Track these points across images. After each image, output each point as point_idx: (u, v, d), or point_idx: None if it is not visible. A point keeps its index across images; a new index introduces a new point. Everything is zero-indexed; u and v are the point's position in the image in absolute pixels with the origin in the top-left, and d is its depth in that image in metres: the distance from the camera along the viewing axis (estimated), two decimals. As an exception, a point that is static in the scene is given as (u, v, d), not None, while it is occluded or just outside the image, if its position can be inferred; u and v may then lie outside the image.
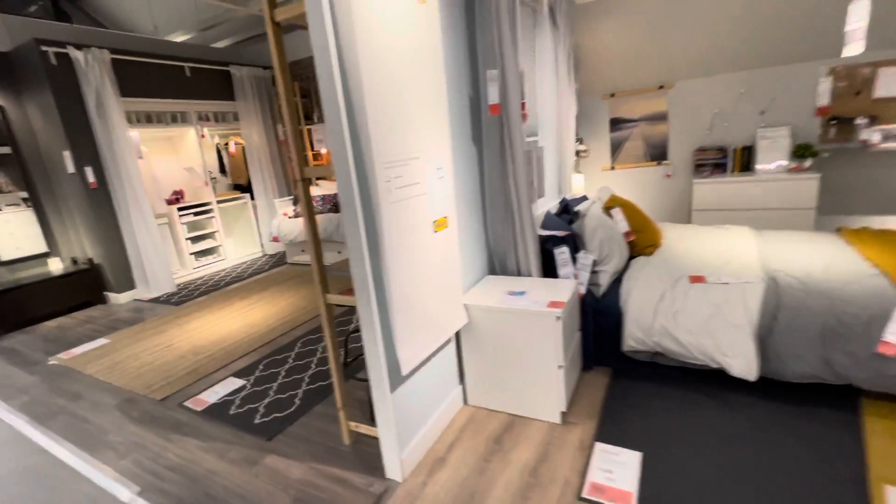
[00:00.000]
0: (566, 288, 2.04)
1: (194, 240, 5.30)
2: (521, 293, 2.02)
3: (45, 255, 4.46)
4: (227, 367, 2.83)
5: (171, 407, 2.43)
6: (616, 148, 4.38)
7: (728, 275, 2.18)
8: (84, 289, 4.38)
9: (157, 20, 6.10)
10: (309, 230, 1.69)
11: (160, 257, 4.61)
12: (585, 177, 4.56)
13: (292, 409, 2.26)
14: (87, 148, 4.17)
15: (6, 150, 4.17)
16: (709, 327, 1.95)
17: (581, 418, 1.96)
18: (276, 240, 5.34)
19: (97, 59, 4.10)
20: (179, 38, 6.20)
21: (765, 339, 1.89)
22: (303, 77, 5.83)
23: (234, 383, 2.59)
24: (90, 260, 4.44)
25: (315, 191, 5.59)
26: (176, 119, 5.11)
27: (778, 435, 1.72)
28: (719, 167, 3.87)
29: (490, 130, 2.18)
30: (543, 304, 1.86)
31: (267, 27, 1.51)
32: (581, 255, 2.32)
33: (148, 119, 4.86)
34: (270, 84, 5.82)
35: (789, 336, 1.84)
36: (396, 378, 1.66)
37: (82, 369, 3.00)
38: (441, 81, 1.73)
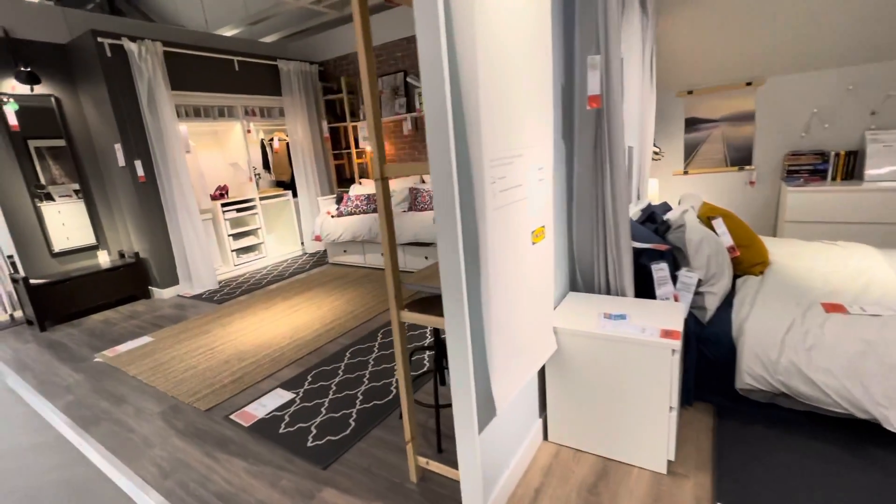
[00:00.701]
0: (674, 313, 1.72)
1: (236, 236, 5.22)
2: (621, 316, 1.72)
3: (93, 248, 4.46)
4: (273, 376, 2.64)
5: (216, 419, 2.25)
6: (690, 150, 3.98)
7: (871, 303, 1.81)
8: (129, 283, 4.35)
9: (207, 15, 6.10)
10: (385, 236, 1.45)
11: (204, 253, 4.53)
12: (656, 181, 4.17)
13: (347, 431, 2.04)
14: (137, 141, 4.12)
15: (60, 142, 4.17)
16: (857, 369, 1.60)
17: (690, 469, 1.65)
18: (318, 239, 5.19)
19: (150, 51, 4.05)
20: (228, 32, 6.18)
21: (936, 389, 1.52)
22: (350, 72, 5.69)
23: (283, 396, 2.39)
24: (136, 254, 4.40)
25: (357, 190, 5.42)
26: (223, 113, 5.04)
27: (960, 513, 1.36)
28: (816, 174, 3.42)
29: (584, 126, 1.88)
30: (655, 333, 1.55)
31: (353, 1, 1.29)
32: (683, 272, 1.99)
33: (196, 113, 4.81)
34: (317, 79, 5.70)
35: (974, 388, 1.47)
36: (485, 416, 1.40)
37: (126, 369, 2.89)
38: (548, 65, 1.46)
